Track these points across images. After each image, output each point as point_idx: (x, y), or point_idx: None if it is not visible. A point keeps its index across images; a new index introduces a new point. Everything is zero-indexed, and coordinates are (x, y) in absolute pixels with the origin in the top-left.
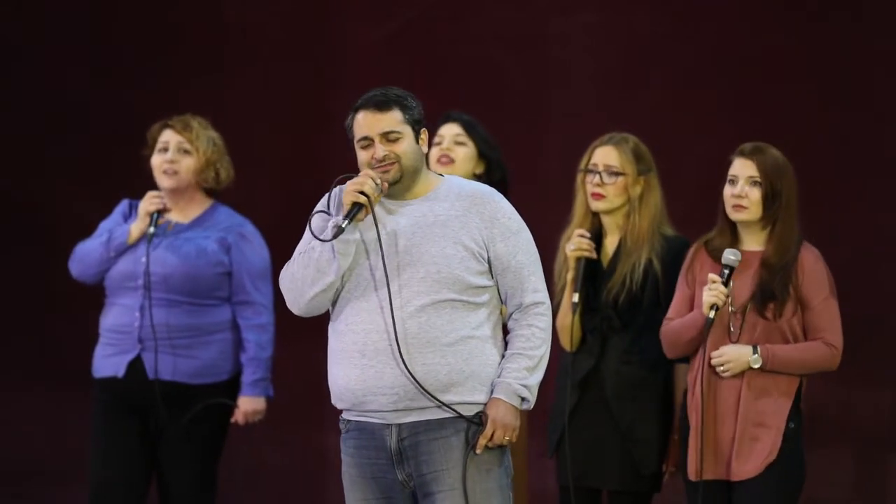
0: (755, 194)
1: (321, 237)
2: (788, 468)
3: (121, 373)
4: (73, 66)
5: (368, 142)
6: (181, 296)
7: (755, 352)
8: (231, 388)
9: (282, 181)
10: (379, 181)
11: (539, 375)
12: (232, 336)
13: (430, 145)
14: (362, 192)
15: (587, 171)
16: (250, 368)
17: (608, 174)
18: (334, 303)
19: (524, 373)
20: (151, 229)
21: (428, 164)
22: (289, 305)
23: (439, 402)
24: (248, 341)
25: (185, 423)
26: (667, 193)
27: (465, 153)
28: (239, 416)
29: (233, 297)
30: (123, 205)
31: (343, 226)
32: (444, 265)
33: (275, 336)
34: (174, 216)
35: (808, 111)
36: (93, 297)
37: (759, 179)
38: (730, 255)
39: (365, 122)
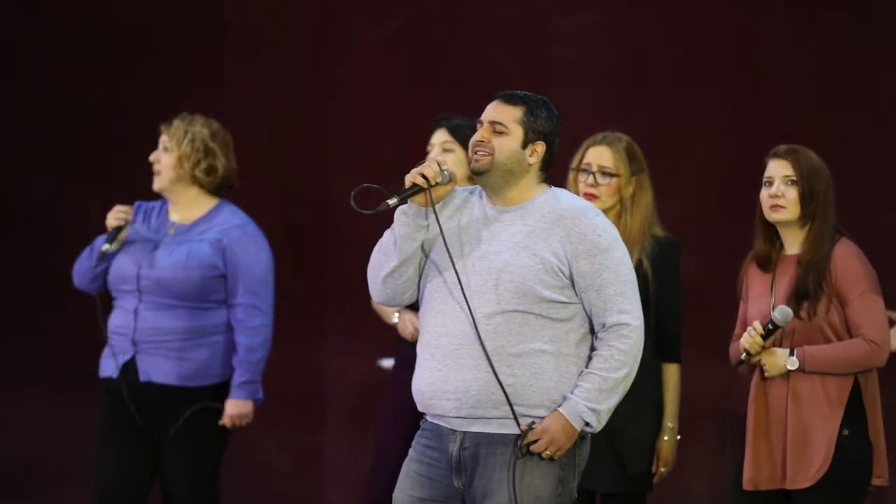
0: (792, 193)
1: (366, 210)
2: (844, 477)
3: (115, 373)
4: (73, 66)
5: (479, 125)
6: (173, 299)
7: (791, 353)
8: (223, 390)
9: (282, 181)
10: (447, 170)
11: (614, 400)
12: (225, 339)
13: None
14: (423, 176)
15: (580, 170)
16: (238, 371)
17: (602, 174)
18: (421, 302)
19: (595, 394)
20: (105, 246)
21: None
22: (371, 293)
23: (511, 406)
24: (239, 344)
25: (178, 429)
26: (666, 193)
27: (454, 159)
28: (225, 419)
29: (228, 299)
30: (134, 206)
31: (389, 202)
32: (517, 275)
33: (270, 339)
34: (177, 218)
35: (807, 111)
36: (92, 297)
37: (794, 178)
38: (777, 315)
39: (487, 108)
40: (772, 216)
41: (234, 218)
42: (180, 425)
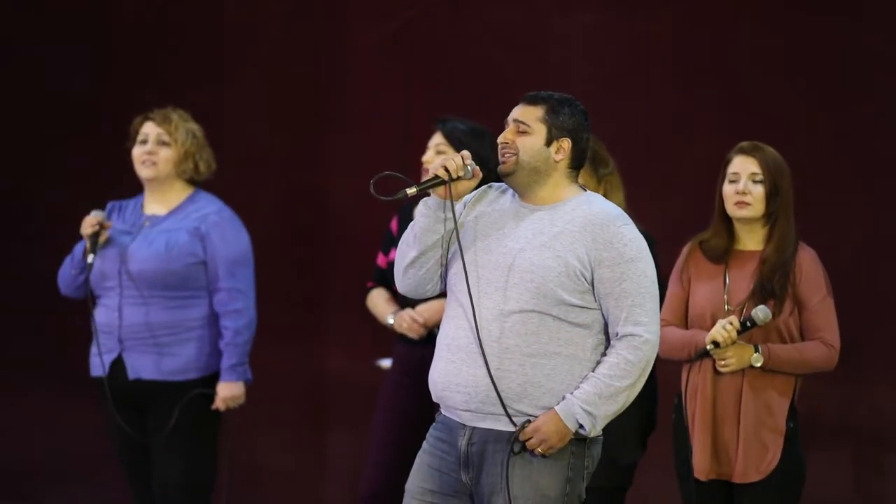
0: (758, 191)
1: (384, 197)
2: (791, 469)
3: (105, 372)
4: (72, 65)
5: (506, 125)
6: (155, 290)
7: (756, 350)
8: (211, 382)
9: (282, 181)
10: (470, 164)
11: (612, 408)
12: (210, 332)
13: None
14: (446, 168)
15: None
16: (226, 354)
17: None
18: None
19: (594, 398)
20: (90, 258)
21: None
22: (395, 283)
23: (504, 407)
24: (225, 328)
25: (166, 428)
26: (666, 193)
27: None
28: (218, 403)
29: (210, 285)
30: (107, 207)
31: (408, 191)
32: (538, 276)
33: (254, 321)
34: (153, 208)
35: (807, 111)
36: (92, 297)
37: (761, 177)
38: (759, 314)
39: (512, 111)
40: (737, 213)
41: (209, 205)
42: (173, 422)
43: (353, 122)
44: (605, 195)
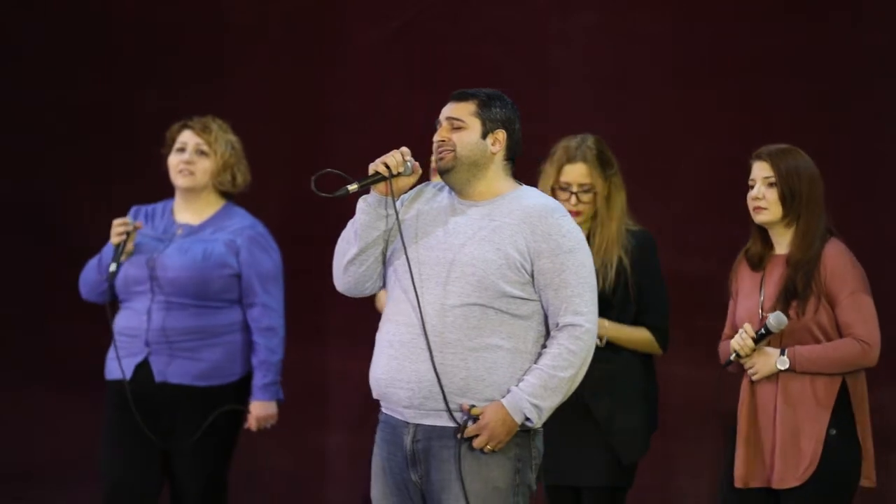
0: (772, 195)
1: (326, 193)
2: (831, 477)
3: (128, 375)
4: (73, 65)
5: (438, 126)
6: (187, 298)
7: (782, 353)
8: (239, 390)
9: (282, 182)
10: (410, 161)
11: (556, 399)
12: (241, 338)
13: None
14: (386, 165)
15: (559, 188)
16: (260, 372)
17: (582, 192)
18: (387, 291)
19: (539, 390)
20: (113, 266)
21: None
22: (334, 281)
23: (447, 405)
24: (258, 345)
25: (197, 433)
26: (667, 193)
27: None
28: (251, 422)
29: (243, 299)
30: (131, 212)
31: (350, 188)
32: (479, 269)
33: (284, 338)
34: (185, 217)
35: (807, 111)
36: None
37: (773, 180)
38: (772, 321)
39: (443, 110)
40: (756, 217)
41: (244, 219)
42: (201, 431)
43: (353, 122)
44: (609, 195)
